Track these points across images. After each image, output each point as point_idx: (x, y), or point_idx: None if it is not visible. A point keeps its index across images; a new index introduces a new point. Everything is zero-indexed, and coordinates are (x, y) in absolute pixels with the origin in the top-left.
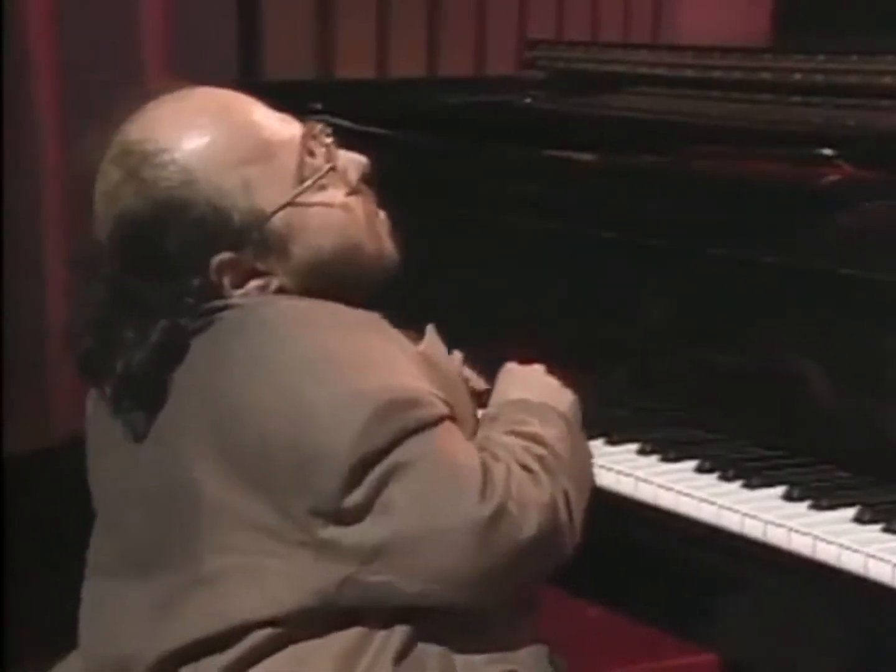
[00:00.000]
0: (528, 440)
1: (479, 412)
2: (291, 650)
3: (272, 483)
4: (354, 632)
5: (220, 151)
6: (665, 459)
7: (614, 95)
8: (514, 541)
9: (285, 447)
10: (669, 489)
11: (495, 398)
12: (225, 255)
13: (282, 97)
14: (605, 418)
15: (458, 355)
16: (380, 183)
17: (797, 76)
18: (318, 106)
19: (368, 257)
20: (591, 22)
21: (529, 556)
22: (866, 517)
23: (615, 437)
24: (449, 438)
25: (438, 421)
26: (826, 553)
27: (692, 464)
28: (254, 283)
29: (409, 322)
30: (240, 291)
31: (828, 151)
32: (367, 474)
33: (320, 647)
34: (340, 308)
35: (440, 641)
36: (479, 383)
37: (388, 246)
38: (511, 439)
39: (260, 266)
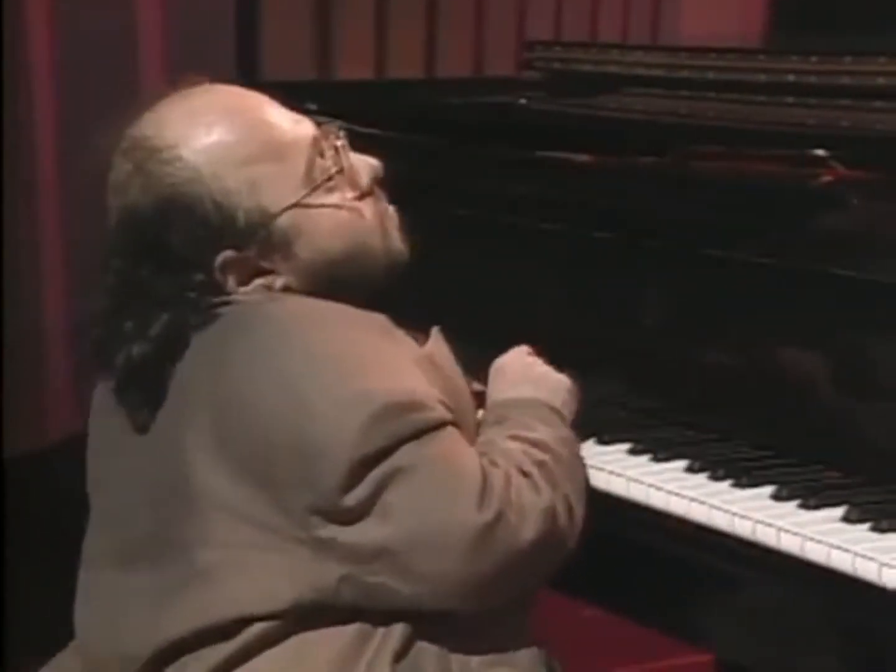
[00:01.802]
0: (530, 445)
1: (480, 413)
2: (290, 645)
3: (272, 478)
4: (354, 630)
5: (228, 150)
6: (656, 459)
7: (612, 96)
8: (511, 548)
9: (286, 443)
10: (660, 489)
11: (492, 395)
12: (229, 254)
13: (279, 98)
14: (596, 418)
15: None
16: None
17: (791, 77)
18: (315, 107)
19: (376, 259)
20: (589, 23)
21: (527, 563)
22: (854, 517)
23: (606, 437)
24: (450, 444)
25: (440, 426)
26: (815, 552)
27: (682, 463)
28: (258, 282)
29: (408, 322)
30: (244, 289)
31: (822, 152)
32: (367, 474)
33: (319, 645)
34: (347, 308)
35: (437, 642)
36: (479, 385)
37: (397, 243)
38: (512, 444)
39: (265, 265)
